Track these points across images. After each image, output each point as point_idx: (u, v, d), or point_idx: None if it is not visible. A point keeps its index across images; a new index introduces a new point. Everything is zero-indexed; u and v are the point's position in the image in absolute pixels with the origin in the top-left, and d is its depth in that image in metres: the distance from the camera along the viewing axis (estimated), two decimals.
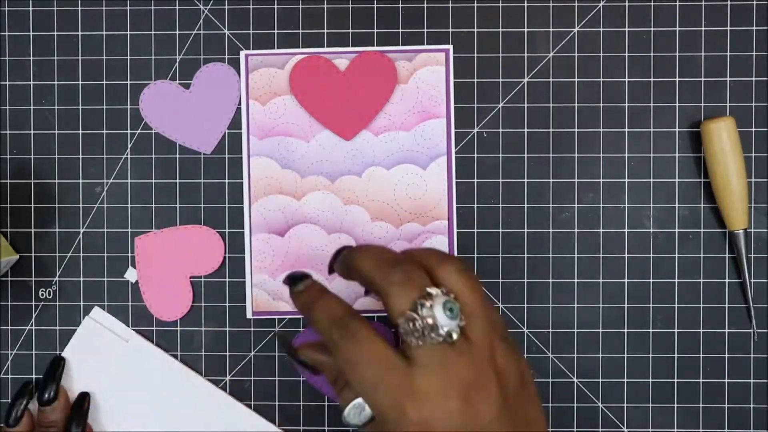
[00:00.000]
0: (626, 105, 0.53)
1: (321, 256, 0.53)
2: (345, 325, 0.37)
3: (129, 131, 0.53)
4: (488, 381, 0.36)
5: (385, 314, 0.53)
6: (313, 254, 0.52)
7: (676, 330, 0.53)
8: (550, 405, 0.53)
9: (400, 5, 0.53)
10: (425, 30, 0.53)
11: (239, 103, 0.53)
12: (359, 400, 0.39)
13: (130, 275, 0.53)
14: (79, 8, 0.53)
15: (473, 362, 0.36)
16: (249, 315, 0.53)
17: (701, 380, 0.53)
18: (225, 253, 0.53)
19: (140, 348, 0.53)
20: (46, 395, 0.51)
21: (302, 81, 0.52)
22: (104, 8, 0.53)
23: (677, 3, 0.53)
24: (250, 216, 0.53)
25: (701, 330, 0.53)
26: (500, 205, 0.53)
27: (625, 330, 0.53)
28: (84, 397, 0.52)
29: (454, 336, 0.36)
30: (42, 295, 0.54)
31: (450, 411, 0.35)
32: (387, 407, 0.35)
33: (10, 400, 0.52)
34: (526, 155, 0.53)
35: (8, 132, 0.54)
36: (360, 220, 0.53)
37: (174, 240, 0.53)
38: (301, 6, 0.53)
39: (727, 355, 0.53)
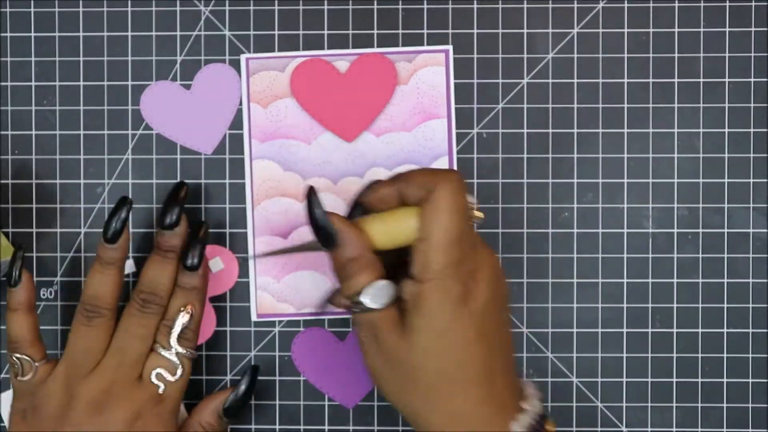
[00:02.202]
0: (625, 106, 0.53)
1: (324, 258, 0.53)
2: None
3: (130, 132, 0.54)
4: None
5: None
6: (317, 256, 0.52)
7: (675, 330, 0.53)
8: (549, 404, 0.53)
9: (400, 6, 0.53)
10: (425, 31, 0.53)
11: (240, 104, 0.53)
12: (384, 282, 0.42)
13: (128, 267, 0.53)
14: (81, 9, 0.53)
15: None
16: (254, 317, 0.53)
17: (700, 380, 0.53)
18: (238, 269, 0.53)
19: None
20: (168, 219, 0.48)
21: (303, 83, 0.53)
22: (105, 9, 0.53)
23: (676, 4, 0.53)
24: (253, 219, 0.53)
25: (700, 330, 0.53)
26: (500, 206, 0.53)
27: (624, 330, 0.53)
28: (202, 226, 0.50)
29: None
30: (43, 295, 0.54)
31: (491, 296, 0.42)
32: (454, 261, 0.41)
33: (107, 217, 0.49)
34: (525, 156, 0.53)
35: (10, 132, 0.54)
36: None
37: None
38: (301, 7, 0.53)
39: (726, 355, 0.53)
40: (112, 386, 0.46)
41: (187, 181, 0.53)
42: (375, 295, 0.42)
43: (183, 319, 0.48)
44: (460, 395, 0.41)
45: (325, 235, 0.43)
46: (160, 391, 0.47)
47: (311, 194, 0.43)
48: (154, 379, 0.47)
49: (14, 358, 0.48)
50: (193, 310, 0.48)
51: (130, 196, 0.50)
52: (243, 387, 0.49)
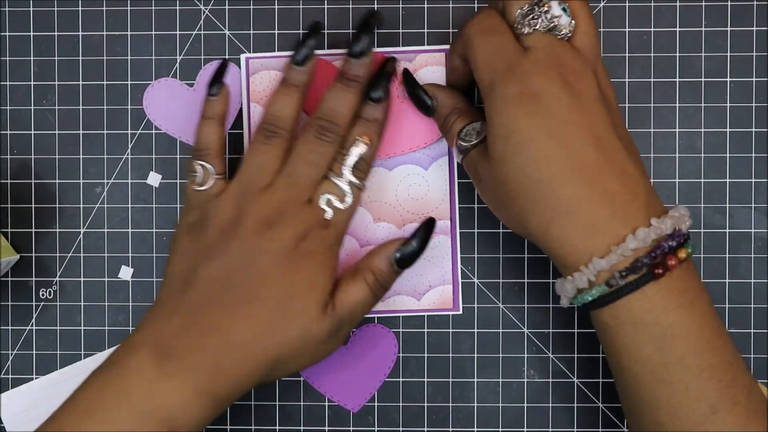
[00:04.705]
0: (626, 105, 0.53)
1: None
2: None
3: (129, 131, 0.53)
4: (589, 81, 0.43)
5: (389, 314, 0.53)
6: None
7: None
8: (550, 405, 0.53)
9: (400, 5, 0.53)
10: (425, 30, 0.53)
11: (240, 103, 0.53)
12: (476, 123, 0.47)
13: (125, 274, 0.53)
14: (80, 8, 0.53)
15: (577, 57, 0.43)
16: None
17: None
18: None
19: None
20: (358, 47, 0.48)
21: None
22: (105, 8, 0.53)
23: (677, 3, 0.53)
24: None
25: None
26: None
27: None
28: (388, 61, 0.50)
29: (563, 22, 0.43)
30: (42, 295, 0.54)
31: (551, 85, 0.42)
32: (500, 70, 0.43)
33: (298, 40, 0.49)
34: None
35: (9, 132, 0.54)
36: (362, 222, 0.53)
37: None
38: (301, 6, 0.53)
39: None
40: (282, 205, 0.46)
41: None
42: (467, 134, 0.47)
43: (360, 149, 0.47)
44: (562, 190, 0.41)
45: (423, 102, 0.50)
46: (328, 216, 0.47)
47: (407, 74, 0.51)
48: (323, 204, 0.47)
49: (197, 165, 0.48)
50: (370, 142, 0.48)
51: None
52: (418, 238, 0.48)
